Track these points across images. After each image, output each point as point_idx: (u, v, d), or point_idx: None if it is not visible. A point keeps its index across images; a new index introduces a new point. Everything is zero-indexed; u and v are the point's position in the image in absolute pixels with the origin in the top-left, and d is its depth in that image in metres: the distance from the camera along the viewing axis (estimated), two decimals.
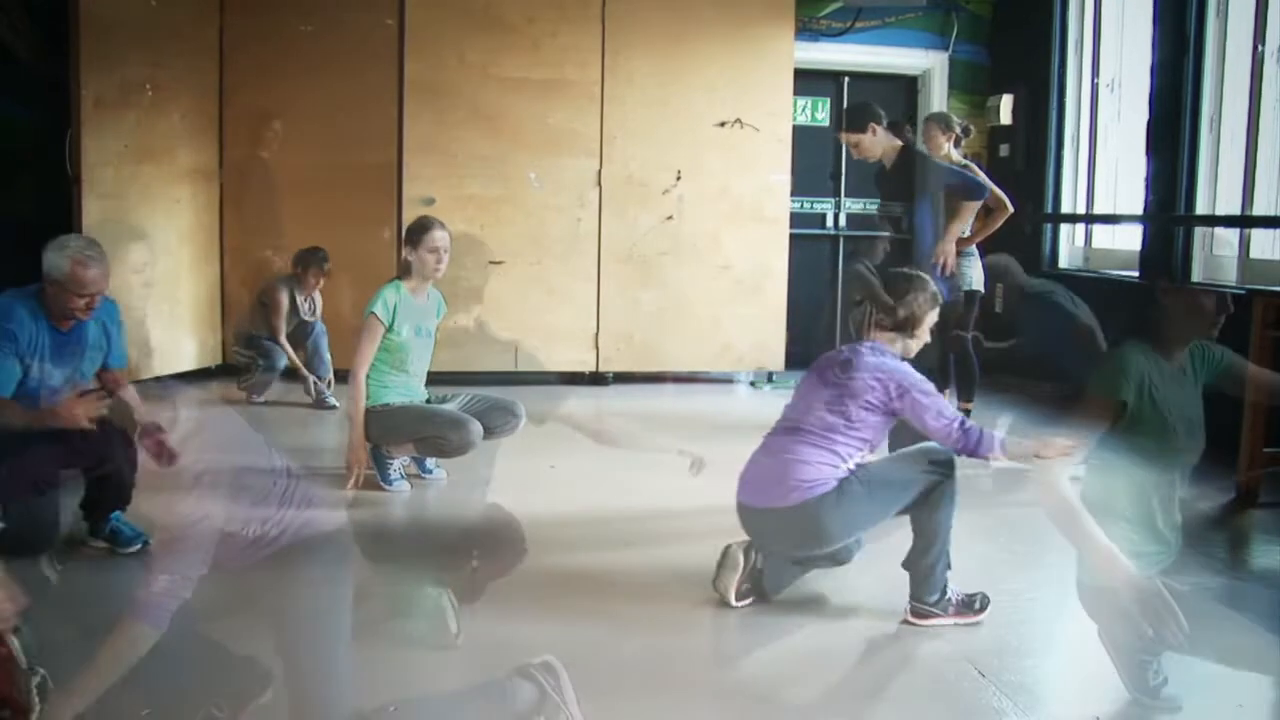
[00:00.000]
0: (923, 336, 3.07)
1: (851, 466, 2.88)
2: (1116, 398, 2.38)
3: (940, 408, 2.83)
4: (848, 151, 7.27)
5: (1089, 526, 2.31)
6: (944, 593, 2.89)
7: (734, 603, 2.96)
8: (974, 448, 2.75)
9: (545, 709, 2.14)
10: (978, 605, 2.92)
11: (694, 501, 4.10)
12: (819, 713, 2.46)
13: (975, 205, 4.72)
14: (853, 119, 4.66)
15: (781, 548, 2.98)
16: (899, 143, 4.63)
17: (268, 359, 5.60)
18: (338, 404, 5.45)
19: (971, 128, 5.88)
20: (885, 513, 2.90)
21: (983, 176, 5.03)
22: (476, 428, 3.92)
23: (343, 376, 4.74)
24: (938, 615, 2.88)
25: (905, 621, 2.90)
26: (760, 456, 3.00)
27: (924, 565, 2.89)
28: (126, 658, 1.98)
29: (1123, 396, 2.38)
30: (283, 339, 5.65)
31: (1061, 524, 2.39)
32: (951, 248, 4.60)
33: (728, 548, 3.01)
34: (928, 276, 3.17)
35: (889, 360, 2.95)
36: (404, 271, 4.10)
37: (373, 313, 3.96)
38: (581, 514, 3.89)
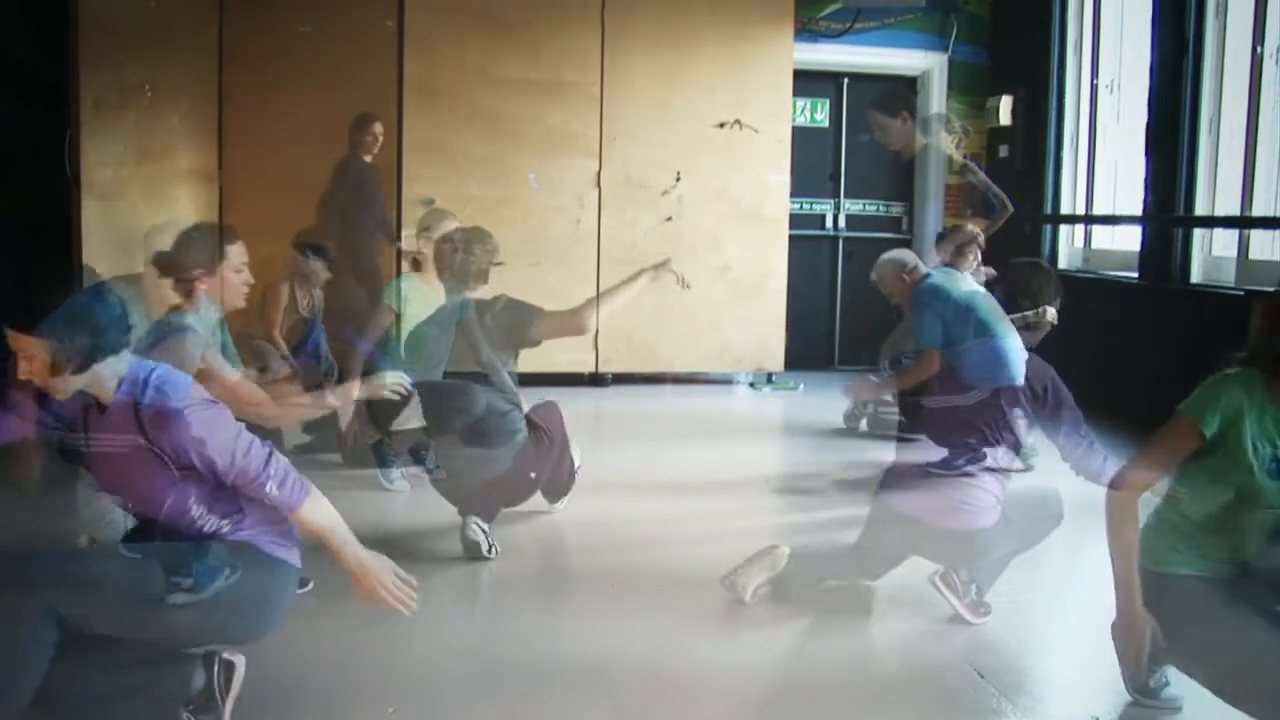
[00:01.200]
0: (1045, 328, 3.03)
1: (1007, 485, 2.87)
2: (1198, 425, 2.22)
3: (1080, 420, 2.78)
4: (847, 152, 7.37)
5: (1129, 560, 2.26)
6: (971, 580, 2.91)
7: (747, 599, 2.96)
8: (1098, 470, 2.67)
9: (199, 699, 2.17)
10: (983, 611, 2.93)
11: (694, 503, 4.11)
12: (819, 712, 2.46)
13: (990, 225, 4.69)
14: (888, 102, 4.56)
15: (934, 558, 2.94)
16: (925, 140, 4.60)
17: (261, 359, 5.55)
18: (337, 401, 5.42)
19: (970, 128, 5.88)
20: (1015, 544, 2.92)
21: (983, 176, 5.03)
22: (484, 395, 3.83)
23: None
24: (955, 595, 2.89)
25: (931, 582, 2.90)
26: (921, 464, 2.95)
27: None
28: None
29: (1203, 428, 2.22)
30: (275, 335, 5.60)
31: (1114, 546, 2.29)
32: None
33: (772, 549, 3.00)
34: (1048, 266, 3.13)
35: (1044, 364, 2.90)
36: (415, 265, 4.15)
37: (383, 300, 4.04)
38: (581, 514, 3.89)
